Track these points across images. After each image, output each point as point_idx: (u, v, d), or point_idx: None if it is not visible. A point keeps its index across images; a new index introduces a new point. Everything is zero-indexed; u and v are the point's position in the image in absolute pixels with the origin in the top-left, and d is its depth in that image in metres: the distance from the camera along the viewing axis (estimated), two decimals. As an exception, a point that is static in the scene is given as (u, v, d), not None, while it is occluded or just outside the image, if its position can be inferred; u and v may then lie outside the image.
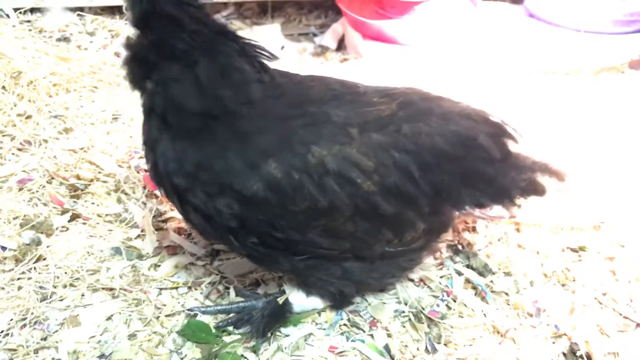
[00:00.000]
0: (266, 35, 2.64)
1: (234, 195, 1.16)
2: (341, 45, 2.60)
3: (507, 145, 1.40)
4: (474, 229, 1.66)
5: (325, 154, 1.17)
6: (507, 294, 1.51)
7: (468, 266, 1.56)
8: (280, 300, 1.41)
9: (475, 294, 1.50)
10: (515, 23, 2.65)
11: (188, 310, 1.42)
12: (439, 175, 1.27)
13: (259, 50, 1.22)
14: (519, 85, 2.31)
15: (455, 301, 1.47)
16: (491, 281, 1.53)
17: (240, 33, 2.57)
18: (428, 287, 1.51)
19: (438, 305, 1.46)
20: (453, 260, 1.58)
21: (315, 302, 1.41)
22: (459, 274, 1.54)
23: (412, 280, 1.53)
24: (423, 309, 1.45)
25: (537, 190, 1.43)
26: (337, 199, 1.18)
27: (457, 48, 2.38)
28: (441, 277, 1.53)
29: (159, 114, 1.18)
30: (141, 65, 1.18)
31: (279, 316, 1.40)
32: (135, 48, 1.18)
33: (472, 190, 1.34)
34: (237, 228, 1.20)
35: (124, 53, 1.21)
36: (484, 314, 1.45)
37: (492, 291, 1.51)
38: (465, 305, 1.47)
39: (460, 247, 1.61)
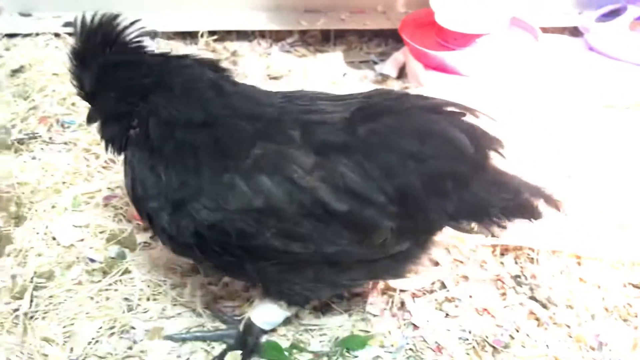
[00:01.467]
0: (329, 63, 2.73)
1: (189, 213, 1.21)
2: (402, 74, 2.67)
3: (487, 150, 1.29)
4: (537, 261, 1.70)
5: (261, 152, 1.20)
6: (568, 326, 1.54)
7: (531, 297, 1.60)
8: (241, 326, 1.44)
9: (538, 325, 1.54)
10: (575, 56, 2.68)
11: (166, 337, 1.45)
12: (400, 176, 1.21)
13: (207, 60, 1.31)
14: (578, 118, 2.33)
15: (518, 331, 1.52)
16: (554, 313, 1.56)
17: (304, 60, 2.67)
18: (491, 316, 1.56)
19: (502, 335, 1.50)
20: (516, 292, 1.62)
21: (279, 312, 1.41)
22: (522, 305, 1.58)
23: (475, 309, 1.57)
24: (487, 337, 1.50)
25: (524, 211, 1.33)
26: (273, 198, 1.17)
27: (518, 80, 2.42)
28: (504, 307, 1.58)
29: (149, 148, 1.24)
30: (120, 119, 1.27)
31: (249, 343, 1.42)
32: (107, 108, 1.29)
33: (441, 198, 1.25)
34: (198, 243, 1.23)
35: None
36: (547, 345, 1.49)
37: (554, 323, 1.55)
38: (528, 335, 1.51)
39: (523, 278, 1.66)
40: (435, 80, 2.43)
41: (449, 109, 1.30)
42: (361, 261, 1.30)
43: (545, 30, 2.66)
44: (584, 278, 1.67)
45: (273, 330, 1.49)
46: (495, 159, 1.32)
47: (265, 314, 1.42)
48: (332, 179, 1.19)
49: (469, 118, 1.30)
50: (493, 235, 1.38)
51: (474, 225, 1.35)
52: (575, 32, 2.88)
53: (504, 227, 1.34)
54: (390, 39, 2.91)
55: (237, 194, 1.18)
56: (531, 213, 1.34)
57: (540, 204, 1.33)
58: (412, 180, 1.22)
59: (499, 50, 2.46)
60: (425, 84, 2.46)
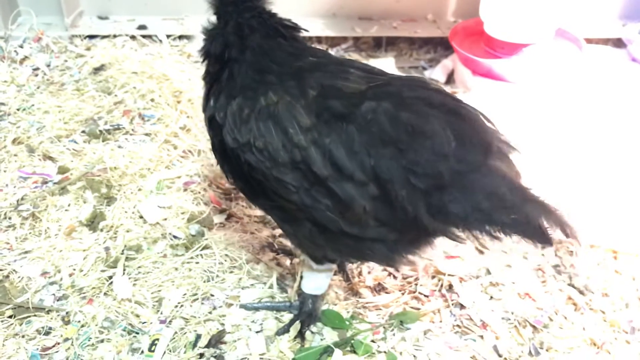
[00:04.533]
0: (381, 67, 2.91)
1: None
2: (450, 79, 2.83)
3: (488, 152, 1.25)
4: (575, 254, 1.85)
5: (275, 100, 1.34)
6: (603, 312, 1.69)
7: (569, 285, 1.76)
8: (292, 297, 1.65)
9: (575, 310, 1.69)
10: (618, 67, 2.80)
11: (241, 306, 1.65)
12: (379, 158, 1.24)
13: (279, 21, 1.50)
14: (618, 126, 2.46)
15: (556, 314, 1.67)
16: (590, 300, 1.71)
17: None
18: (532, 300, 1.71)
19: (542, 316, 1.66)
20: (556, 279, 1.78)
21: (317, 275, 1.56)
22: (561, 291, 1.74)
23: (518, 293, 1.73)
24: (527, 318, 1.65)
25: (525, 230, 1.21)
26: (271, 144, 1.30)
27: (562, 88, 2.57)
28: (545, 292, 1.73)
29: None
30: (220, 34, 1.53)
31: (305, 310, 1.60)
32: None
33: (416, 193, 1.23)
34: (226, 161, 1.46)
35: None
36: (583, 328, 1.64)
37: (591, 309, 1.70)
38: (565, 318, 1.66)
39: (563, 268, 1.81)
40: (483, 86, 2.59)
41: (457, 109, 1.28)
42: (347, 235, 1.34)
43: (589, 41, 2.80)
44: (619, 270, 1.81)
45: (335, 304, 1.68)
46: (507, 166, 1.27)
47: (309, 280, 1.59)
48: (322, 144, 1.27)
49: (481, 122, 1.29)
50: (484, 247, 1.34)
51: (463, 229, 1.27)
52: (618, 43, 3.01)
53: (497, 239, 1.25)
54: (439, 46, 3.08)
55: (247, 129, 1.35)
56: (533, 234, 1.22)
57: (551, 228, 1.21)
58: (388, 165, 1.24)
59: (545, 59, 2.61)
60: (473, 89, 2.62)
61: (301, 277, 1.64)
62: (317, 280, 1.58)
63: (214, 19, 1.54)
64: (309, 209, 1.32)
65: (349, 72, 1.39)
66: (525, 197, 1.23)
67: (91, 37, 2.92)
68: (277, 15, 1.53)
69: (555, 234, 1.20)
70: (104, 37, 2.92)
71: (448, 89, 2.75)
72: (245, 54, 1.45)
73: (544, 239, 1.22)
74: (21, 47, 2.82)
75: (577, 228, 1.22)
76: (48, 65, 2.70)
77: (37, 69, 2.67)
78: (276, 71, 1.42)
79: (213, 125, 1.47)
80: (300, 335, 1.57)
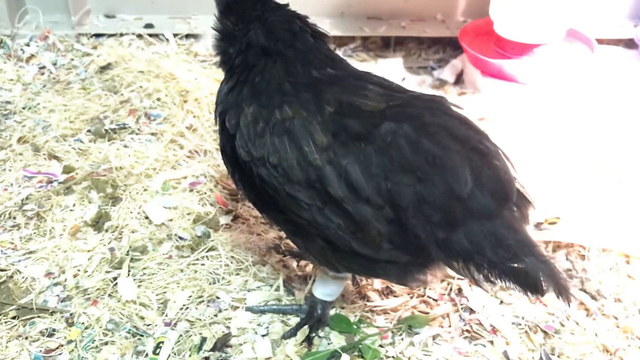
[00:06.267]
0: (389, 67, 2.89)
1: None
2: (459, 80, 2.80)
3: (505, 200, 1.26)
4: (587, 258, 1.81)
5: (291, 115, 1.30)
6: (616, 317, 1.65)
7: (581, 289, 1.72)
8: (300, 300, 1.62)
9: (587, 315, 1.66)
10: (630, 68, 2.76)
11: (247, 309, 1.62)
12: (396, 184, 1.23)
13: (300, 22, 1.46)
14: (630, 128, 2.42)
15: (568, 319, 1.64)
16: (602, 305, 1.68)
17: (365, 65, 2.82)
18: (543, 304, 1.68)
19: (553, 322, 1.63)
20: (567, 283, 1.74)
21: (331, 282, 1.52)
22: (573, 296, 1.70)
23: (528, 298, 1.70)
24: (538, 323, 1.62)
25: (520, 280, 1.24)
26: (285, 161, 1.27)
27: (573, 89, 2.53)
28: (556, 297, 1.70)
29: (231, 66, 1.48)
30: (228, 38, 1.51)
31: (314, 315, 1.57)
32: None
33: (428, 223, 1.24)
34: (239, 175, 1.43)
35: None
36: (595, 334, 1.60)
37: (603, 314, 1.66)
38: (577, 324, 1.63)
39: (574, 272, 1.77)
40: (492, 87, 2.56)
41: (480, 147, 1.28)
42: (359, 254, 1.32)
43: (600, 41, 2.76)
44: (632, 275, 1.78)
45: (342, 307, 1.65)
46: (520, 216, 1.30)
47: (322, 285, 1.56)
48: (338, 165, 1.25)
49: (502, 164, 1.29)
50: (477, 285, 1.32)
51: (462, 266, 1.28)
52: (630, 44, 2.97)
53: (492, 283, 1.28)
54: (448, 46, 3.05)
55: (261, 144, 1.31)
56: (528, 285, 1.25)
57: (546, 283, 1.24)
58: (405, 191, 1.23)
59: (556, 60, 2.57)
60: (482, 90, 2.59)
61: (313, 281, 1.61)
62: (330, 287, 1.56)
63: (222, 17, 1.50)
64: (321, 227, 1.30)
65: (368, 88, 1.36)
66: (530, 252, 1.24)
67: (98, 35, 2.90)
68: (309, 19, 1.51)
69: (549, 291, 1.25)
70: (110, 35, 2.90)
71: (457, 89, 2.73)
72: (288, 50, 1.41)
73: (537, 292, 1.26)
74: (27, 45, 2.80)
75: (570, 290, 1.28)
76: (54, 64, 2.69)
77: (43, 67, 2.66)
78: (296, 80, 1.38)
79: (225, 130, 1.43)
80: (308, 340, 1.54)
